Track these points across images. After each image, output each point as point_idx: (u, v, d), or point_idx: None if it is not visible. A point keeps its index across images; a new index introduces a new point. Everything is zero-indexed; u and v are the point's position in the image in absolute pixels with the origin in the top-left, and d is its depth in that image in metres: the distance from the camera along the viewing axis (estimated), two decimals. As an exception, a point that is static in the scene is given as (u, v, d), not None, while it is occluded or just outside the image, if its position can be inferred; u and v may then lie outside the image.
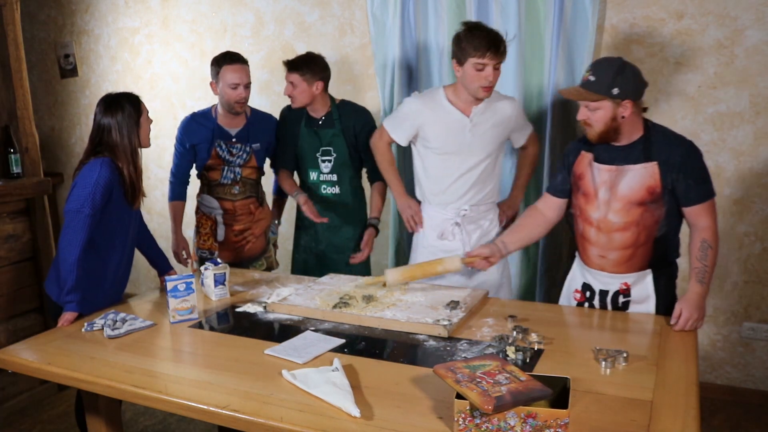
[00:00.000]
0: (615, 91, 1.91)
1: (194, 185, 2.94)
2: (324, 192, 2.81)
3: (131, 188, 2.18)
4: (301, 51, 3.58)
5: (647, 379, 1.56)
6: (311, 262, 2.90)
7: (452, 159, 2.48)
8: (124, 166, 2.16)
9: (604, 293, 2.13)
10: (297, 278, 2.56)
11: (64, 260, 2.08)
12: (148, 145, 2.27)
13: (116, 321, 2.03)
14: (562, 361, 1.68)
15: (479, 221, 2.57)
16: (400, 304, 2.10)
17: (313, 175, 2.82)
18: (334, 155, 2.75)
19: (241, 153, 2.78)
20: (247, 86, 2.70)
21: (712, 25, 2.74)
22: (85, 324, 2.02)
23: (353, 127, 2.72)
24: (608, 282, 2.11)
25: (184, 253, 2.86)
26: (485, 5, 2.94)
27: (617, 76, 1.91)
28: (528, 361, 1.68)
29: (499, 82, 2.98)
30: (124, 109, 2.17)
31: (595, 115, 1.97)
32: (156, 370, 1.71)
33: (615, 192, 2.02)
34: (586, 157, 2.11)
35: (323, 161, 2.78)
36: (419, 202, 2.66)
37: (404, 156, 3.19)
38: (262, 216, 2.94)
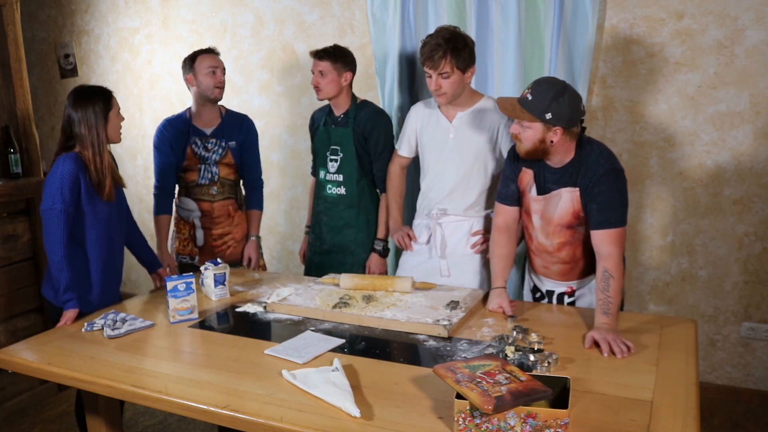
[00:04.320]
0: (548, 116, 1.92)
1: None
2: (329, 192, 2.78)
3: (98, 181, 2.16)
4: (301, 51, 3.59)
5: (647, 379, 1.56)
6: (316, 260, 2.89)
7: (434, 162, 2.49)
8: (91, 160, 2.15)
9: (550, 293, 2.23)
10: (297, 278, 2.56)
11: (51, 261, 2.10)
12: (117, 141, 2.25)
13: (116, 321, 2.03)
14: (562, 361, 1.68)
15: (457, 229, 2.52)
16: (400, 304, 2.10)
17: (322, 174, 2.80)
18: (341, 155, 2.72)
19: (216, 148, 2.76)
20: (223, 71, 2.73)
21: (712, 25, 2.74)
22: (85, 324, 2.02)
23: (364, 126, 2.68)
24: (554, 285, 2.21)
25: (168, 270, 2.67)
26: (485, 5, 2.94)
27: (553, 102, 1.91)
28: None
29: (500, 82, 3.00)
30: (93, 102, 2.16)
31: (525, 133, 1.98)
32: (156, 370, 1.71)
33: (547, 217, 2.08)
34: (527, 174, 2.13)
35: (331, 160, 2.75)
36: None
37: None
38: (242, 220, 2.91)
